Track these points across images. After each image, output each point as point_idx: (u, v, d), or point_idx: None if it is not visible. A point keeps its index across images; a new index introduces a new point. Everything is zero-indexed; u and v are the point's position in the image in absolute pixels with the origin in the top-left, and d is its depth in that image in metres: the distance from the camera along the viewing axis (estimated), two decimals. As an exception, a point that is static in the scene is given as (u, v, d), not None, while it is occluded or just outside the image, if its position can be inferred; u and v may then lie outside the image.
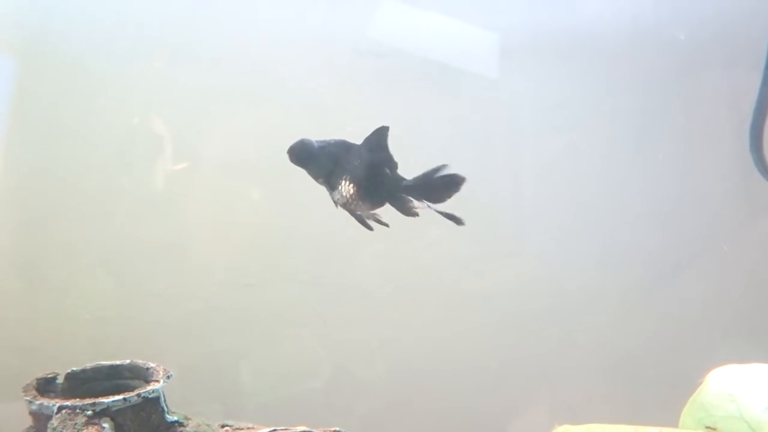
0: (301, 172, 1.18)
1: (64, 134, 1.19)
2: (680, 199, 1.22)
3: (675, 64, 1.19)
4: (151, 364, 0.83)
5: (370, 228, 0.80)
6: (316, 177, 0.81)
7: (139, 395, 0.77)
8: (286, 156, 0.81)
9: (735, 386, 0.60)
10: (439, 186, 0.77)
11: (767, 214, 1.20)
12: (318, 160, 0.80)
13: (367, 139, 0.79)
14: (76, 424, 0.74)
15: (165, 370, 0.83)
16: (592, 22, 1.19)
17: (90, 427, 0.74)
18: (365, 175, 0.78)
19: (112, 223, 1.21)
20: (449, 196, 0.78)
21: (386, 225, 0.80)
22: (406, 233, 1.23)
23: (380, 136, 0.78)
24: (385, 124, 0.79)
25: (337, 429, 0.80)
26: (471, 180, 1.20)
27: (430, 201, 0.78)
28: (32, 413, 0.77)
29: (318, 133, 0.83)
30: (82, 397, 0.77)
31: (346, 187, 0.78)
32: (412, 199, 0.79)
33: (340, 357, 1.25)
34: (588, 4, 1.20)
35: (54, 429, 0.74)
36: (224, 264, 1.24)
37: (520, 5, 1.19)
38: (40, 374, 0.81)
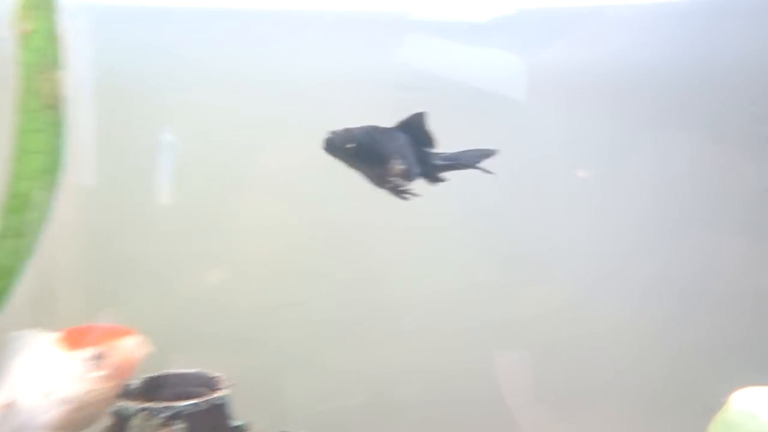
0: (340, 200, 1.26)
1: (128, 158, 1.28)
2: (706, 234, 1.27)
3: (700, 101, 1.24)
4: (216, 374, 0.91)
5: (406, 198, 0.87)
6: (360, 165, 0.86)
7: (208, 401, 0.84)
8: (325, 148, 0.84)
9: (756, 405, 0.67)
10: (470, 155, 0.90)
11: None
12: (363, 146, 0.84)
13: (405, 122, 0.87)
14: (153, 425, 0.82)
15: (227, 379, 0.90)
16: (615, 59, 1.24)
17: (165, 428, 0.81)
18: (411, 152, 0.87)
19: (166, 239, 1.29)
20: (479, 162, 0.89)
21: (417, 195, 0.87)
22: (437, 259, 1.31)
23: (418, 119, 0.88)
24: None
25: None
26: (500, 207, 1.28)
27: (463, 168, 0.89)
28: (113, 414, 0.84)
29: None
30: (157, 401, 0.85)
31: (395, 167, 0.85)
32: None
33: (375, 376, 1.31)
34: (611, 41, 1.24)
35: (133, 429, 0.81)
36: (266, 284, 1.31)
37: (547, 42, 1.25)
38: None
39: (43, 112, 0.73)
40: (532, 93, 1.25)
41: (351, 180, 1.21)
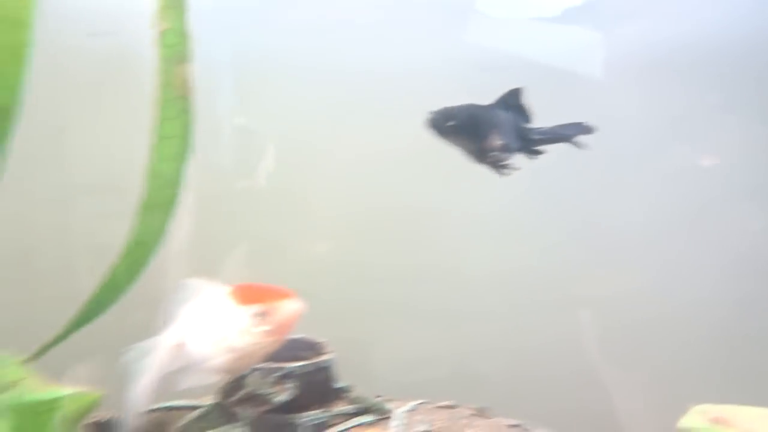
0: (429, 180, 1.31)
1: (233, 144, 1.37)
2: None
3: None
4: (321, 340, 0.99)
5: (506, 174, 0.91)
6: (461, 141, 0.89)
7: (315, 363, 0.93)
8: (430, 128, 0.88)
9: None
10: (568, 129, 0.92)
11: None
12: (465, 124, 0.87)
13: (502, 98, 0.91)
14: (266, 382, 0.90)
15: (331, 345, 0.98)
16: (713, 33, 1.23)
17: (277, 386, 0.90)
18: (510, 127, 0.90)
19: (251, 222, 1.38)
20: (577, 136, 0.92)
21: (518, 169, 0.91)
22: (522, 238, 1.34)
23: (515, 94, 0.91)
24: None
25: (483, 406, 0.93)
26: (584, 189, 1.30)
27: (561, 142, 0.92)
28: (231, 372, 0.93)
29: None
30: (269, 361, 0.93)
31: (495, 142, 0.88)
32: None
33: (461, 350, 1.37)
34: (709, 14, 1.23)
35: (250, 385, 0.91)
36: (354, 262, 1.38)
37: (637, 16, 1.25)
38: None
39: (176, 101, 0.82)
40: (613, 71, 1.26)
41: (437, 162, 1.27)
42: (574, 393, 1.30)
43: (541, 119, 1.23)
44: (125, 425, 0.79)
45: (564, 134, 0.93)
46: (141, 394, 0.77)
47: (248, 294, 0.80)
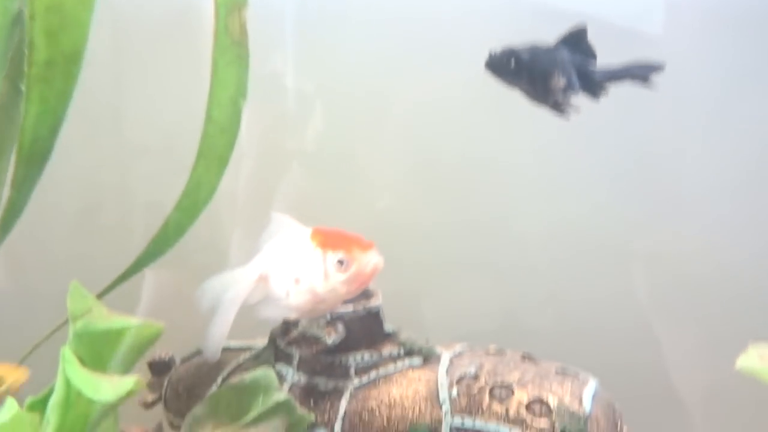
0: (479, 133, 1.29)
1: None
2: None
3: None
4: (371, 287, 1.01)
5: (567, 116, 0.89)
6: (523, 82, 0.87)
7: (365, 308, 0.95)
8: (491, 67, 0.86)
9: None
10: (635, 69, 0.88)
11: None
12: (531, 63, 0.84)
13: (566, 38, 0.88)
14: (319, 324, 0.93)
15: (380, 291, 1.00)
16: None
17: (329, 327, 0.93)
18: (573, 68, 0.87)
19: (306, 177, 1.40)
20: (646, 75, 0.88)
21: (578, 110, 0.89)
22: (577, 191, 1.33)
23: (579, 33, 0.88)
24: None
25: (526, 352, 0.94)
26: (642, 142, 1.26)
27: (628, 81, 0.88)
28: (285, 314, 0.97)
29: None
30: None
31: (558, 83, 0.85)
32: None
33: (510, 304, 1.38)
34: None
35: (302, 326, 0.94)
36: (406, 218, 1.39)
37: None
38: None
39: (233, 47, 0.84)
40: (677, 23, 1.22)
41: (487, 115, 1.26)
42: (623, 348, 1.30)
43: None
44: (207, 355, 0.82)
45: (631, 73, 0.89)
46: (223, 324, 0.79)
47: (329, 239, 0.80)
